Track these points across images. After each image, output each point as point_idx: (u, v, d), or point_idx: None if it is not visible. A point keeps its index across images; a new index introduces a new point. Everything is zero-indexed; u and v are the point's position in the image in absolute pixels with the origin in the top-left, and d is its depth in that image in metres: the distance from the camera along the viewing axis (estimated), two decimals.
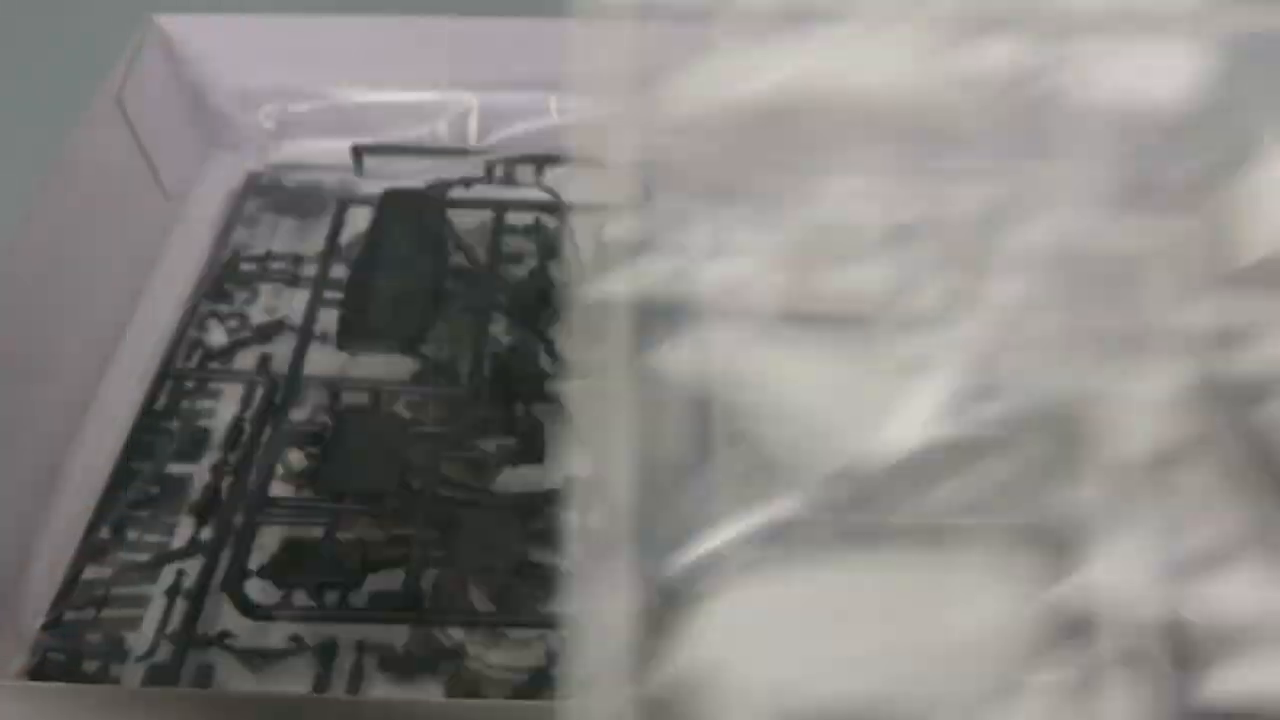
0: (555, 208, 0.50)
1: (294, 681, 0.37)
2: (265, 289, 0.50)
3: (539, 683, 0.36)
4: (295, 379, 0.45)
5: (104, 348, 0.47)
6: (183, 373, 0.46)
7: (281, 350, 0.47)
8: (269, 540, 0.39)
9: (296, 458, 0.42)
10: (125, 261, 0.49)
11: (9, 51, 0.60)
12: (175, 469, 0.43)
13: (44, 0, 0.64)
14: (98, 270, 0.47)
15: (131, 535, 0.41)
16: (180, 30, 0.53)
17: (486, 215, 0.50)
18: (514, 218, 0.50)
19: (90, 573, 0.39)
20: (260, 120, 0.55)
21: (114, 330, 0.48)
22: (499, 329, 0.46)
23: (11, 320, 0.40)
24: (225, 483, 0.42)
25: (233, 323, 0.48)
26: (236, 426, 0.44)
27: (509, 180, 0.52)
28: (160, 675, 0.37)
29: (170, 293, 0.49)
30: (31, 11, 0.64)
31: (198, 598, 0.38)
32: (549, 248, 0.49)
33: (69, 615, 0.38)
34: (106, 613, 0.38)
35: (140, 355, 0.47)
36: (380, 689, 0.36)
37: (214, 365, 0.46)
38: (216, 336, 0.47)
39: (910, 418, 0.25)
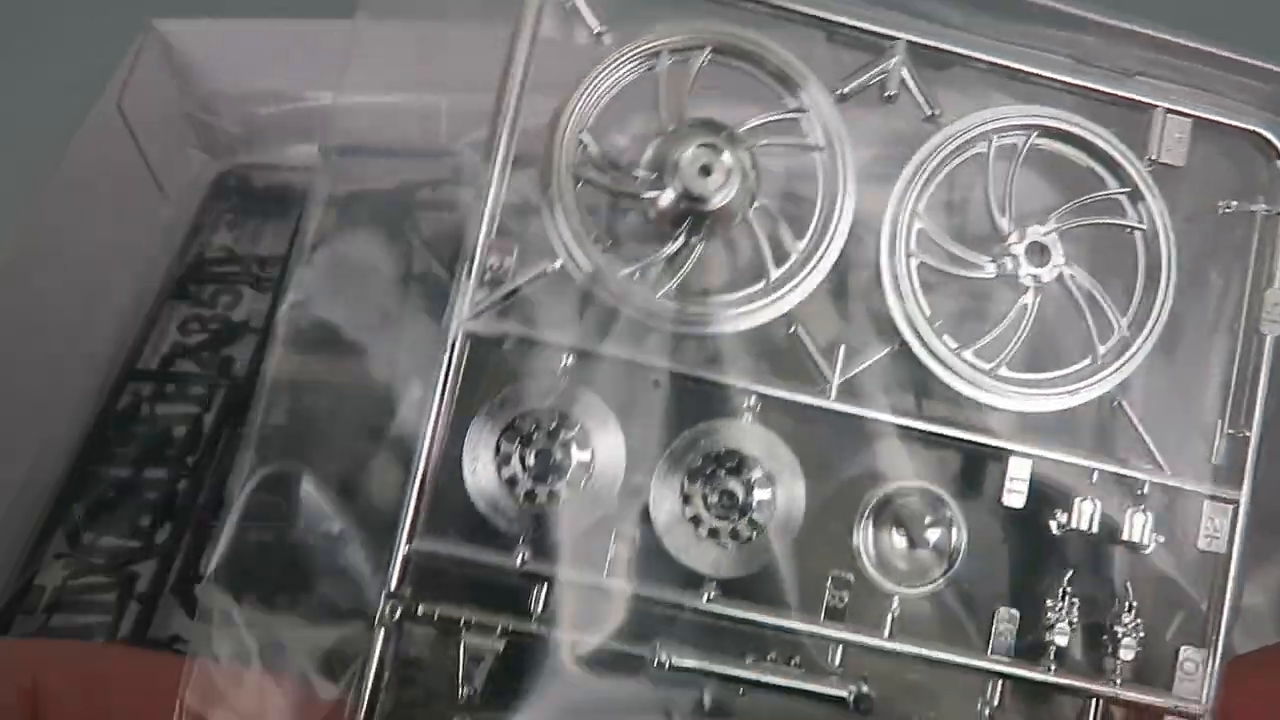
0: (522, 209, 0.50)
1: None
2: (227, 291, 0.49)
3: None
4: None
5: (72, 347, 0.47)
6: (144, 374, 0.46)
7: (243, 352, 0.46)
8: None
9: None
10: (122, 263, 0.49)
11: (8, 54, 0.60)
12: (134, 472, 0.42)
13: (42, 4, 0.64)
14: (95, 274, 0.47)
15: (87, 538, 0.40)
16: (177, 35, 0.53)
17: (453, 217, 0.50)
18: None
19: (43, 577, 0.39)
20: (229, 122, 0.55)
21: (84, 330, 0.48)
22: None
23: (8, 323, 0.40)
24: (182, 486, 0.41)
25: (194, 325, 0.48)
26: (196, 429, 0.43)
27: (476, 182, 0.51)
28: None
29: (146, 293, 0.49)
30: (29, 15, 0.64)
31: (150, 602, 0.38)
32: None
33: (20, 619, 0.38)
34: (58, 618, 0.38)
35: (104, 356, 0.46)
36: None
37: (175, 368, 0.46)
38: (178, 338, 0.47)
39: None
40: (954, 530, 0.31)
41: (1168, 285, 0.32)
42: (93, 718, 0.26)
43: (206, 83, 0.54)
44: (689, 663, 0.29)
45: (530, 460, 0.29)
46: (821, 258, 0.30)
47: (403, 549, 0.28)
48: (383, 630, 0.28)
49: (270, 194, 0.53)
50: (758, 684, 0.30)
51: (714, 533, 0.30)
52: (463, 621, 0.28)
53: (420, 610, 0.28)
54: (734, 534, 0.30)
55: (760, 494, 0.30)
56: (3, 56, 0.60)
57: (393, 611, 0.28)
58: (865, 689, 0.30)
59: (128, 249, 0.49)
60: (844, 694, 0.30)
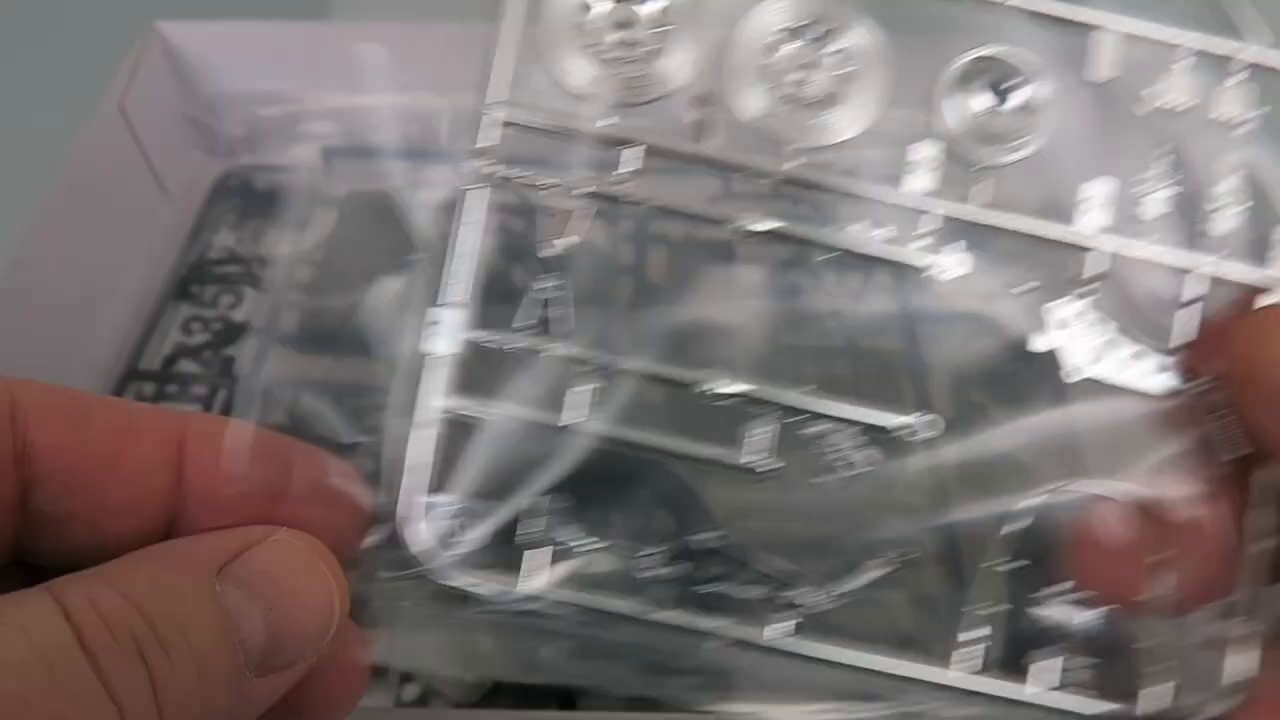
0: (520, 209, 0.50)
1: None
2: (229, 291, 0.49)
3: None
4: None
5: (74, 347, 0.47)
6: (146, 375, 0.46)
7: (245, 353, 0.47)
8: None
9: None
10: (125, 265, 0.49)
11: (10, 55, 0.61)
12: None
13: (44, 5, 0.65)
14: (97, 274, 0.47)
15: None
16: (179, 36, 0.53)
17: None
18: None
19: None
20: (231, 123, 0.55)
21: (86, 331, 0.48)
22: None
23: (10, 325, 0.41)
24: None
25: (196, 325, 0.48)
26: None
27: None
28: None
29: (149, 295, 0.50)
30: (31, 16, 0.64)
31: None
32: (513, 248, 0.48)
33: None
34: None
35: (106, 356, 0.47)
36: None
37: (176, 368, 0.46)
38: (180, 338, 0.47)
39: None
40: (1042, 91, 0.29)
41: None
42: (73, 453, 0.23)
43: (209, 84, 0.54)
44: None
45: None
46: None
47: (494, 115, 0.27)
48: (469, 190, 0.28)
49: (270, 194, 0.53)
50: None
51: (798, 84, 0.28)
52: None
53: (503, 173, 0.28)
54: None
55: (842, 41, 0.29)
56: (5, 57, 0.60)
57: (478, 170, 0.28)
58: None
59: (130, 249, 0.49)
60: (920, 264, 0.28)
